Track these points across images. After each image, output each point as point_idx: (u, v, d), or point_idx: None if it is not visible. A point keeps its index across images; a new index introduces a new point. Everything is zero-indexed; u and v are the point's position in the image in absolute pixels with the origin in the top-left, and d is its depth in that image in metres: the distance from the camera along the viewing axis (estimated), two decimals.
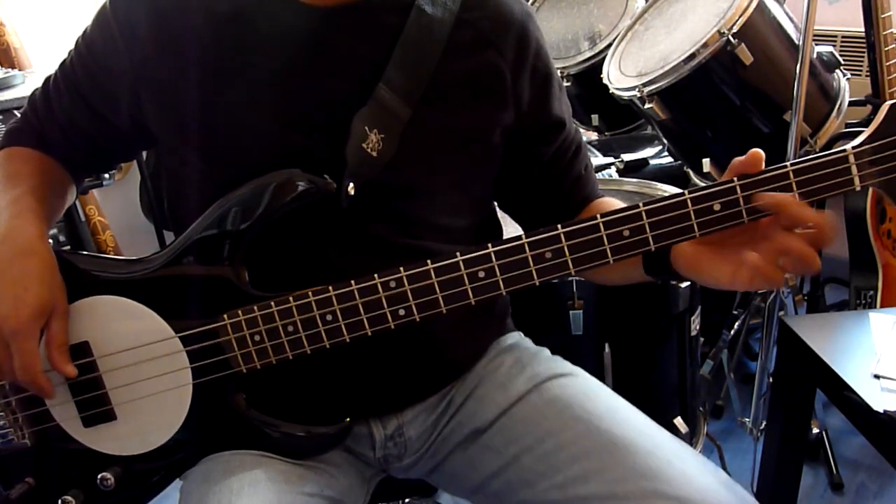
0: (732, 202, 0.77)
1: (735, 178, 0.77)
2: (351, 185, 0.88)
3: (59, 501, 0.92)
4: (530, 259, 0.81)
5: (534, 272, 0.82)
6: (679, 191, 0.79)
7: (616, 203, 0.87)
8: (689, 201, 0.77)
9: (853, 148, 0.75)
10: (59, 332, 0.87)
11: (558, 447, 0.92)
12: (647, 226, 0.79)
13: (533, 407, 0.98)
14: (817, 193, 0.76)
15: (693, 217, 0.78)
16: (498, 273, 0.82)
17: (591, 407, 0.95)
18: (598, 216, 0.79)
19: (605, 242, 0.80)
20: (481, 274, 0.82)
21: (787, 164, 0.76)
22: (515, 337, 1.13)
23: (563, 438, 0.93)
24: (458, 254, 0.82)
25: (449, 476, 1.06)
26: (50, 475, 0.95)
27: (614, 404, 0.97)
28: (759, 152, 0.76)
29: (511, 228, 1.08)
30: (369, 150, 0.88)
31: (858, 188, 0.75)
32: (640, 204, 0.78)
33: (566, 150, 1.01)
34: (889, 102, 0.75)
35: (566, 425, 0.93)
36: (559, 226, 0.80)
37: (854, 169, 0.75)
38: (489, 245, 0.82)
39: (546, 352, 1.09)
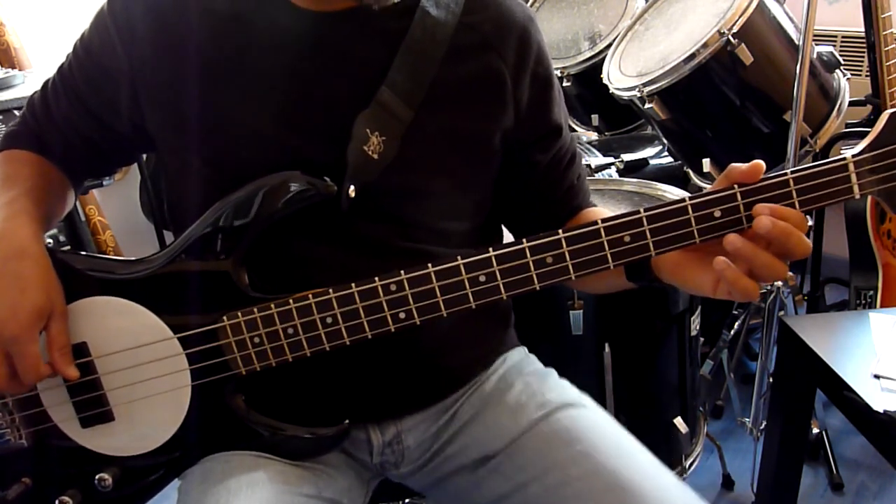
0: (733, 209, 0.77)
1: (736, 186, 0.76)
2: (351, 187, 0.87)
3: (57, 502, 0.92)
4: (531, 264, 0.81)
5: (534, 277, 0.81)
6: (679, 195, 0.78)
7: (605, 213, 0.87)
8: (689, 208, 0.77)
9: (853, 156, 0.75)
10: (59, 333, 0.87)
11: (564, 482, 0.91)
12: (647, 232, 0.79)
13: (543, 437, 0.97)
14: (817, 201, 0.76)
15: (694, 223, 0.78)
16: (499, 277, 0.82)
17: (599, 443, 0.94)
18: (600, 221, 0.79)
19: (606, 248, 0.80)
20: (482, 278, 0.82)
21: (788, 171, 0.75)
22: (521, 353, 1.12)
23: (570, 474, 0.92)
24: (458, 257, 0.82)
25: (453, 494, 1.05)
26: (47, 476, 0.94)
27: (622, 442, 0.96)
28: (760, 164, 0.76)
29: None
30: (370, 153, 0.87)
31: (858, 196, 0.75)
32: (641, 210, 0.78)
33: (561, 159, 1.01)
34: (889, 111, 0.75)
35: (574, 460, 0.92)
36: (560, 231, 0.80)
37: (854, 177, 0.75)
38: (490, 249, 0.82)
39: (554, 374, 1.08)
